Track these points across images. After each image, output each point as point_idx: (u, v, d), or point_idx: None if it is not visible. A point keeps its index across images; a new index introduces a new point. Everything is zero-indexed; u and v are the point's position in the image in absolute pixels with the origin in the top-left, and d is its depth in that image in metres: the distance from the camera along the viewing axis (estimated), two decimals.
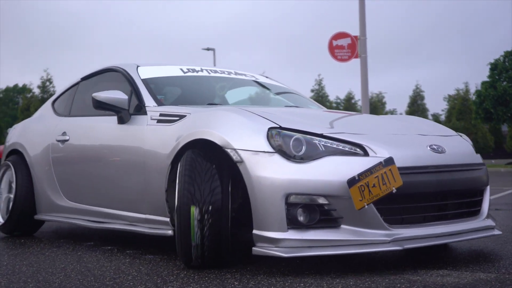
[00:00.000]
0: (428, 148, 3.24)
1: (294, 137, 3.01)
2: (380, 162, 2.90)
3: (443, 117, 48.35)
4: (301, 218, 2.90)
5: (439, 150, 3.26)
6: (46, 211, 4.81)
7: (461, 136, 3.79)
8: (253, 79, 5.07)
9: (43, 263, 3.54)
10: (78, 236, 4.89)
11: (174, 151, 3.37)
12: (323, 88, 42.69)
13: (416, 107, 45.77)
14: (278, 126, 3.07)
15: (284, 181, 2.90)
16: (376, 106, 47.63)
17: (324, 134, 3.08)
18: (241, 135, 3.09)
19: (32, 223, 4.98)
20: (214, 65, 27.91)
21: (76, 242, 4.45)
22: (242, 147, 3.04)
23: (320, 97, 41.72)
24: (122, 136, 3.96)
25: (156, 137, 3.62)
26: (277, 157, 2.96)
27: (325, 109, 4.80)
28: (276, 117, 3.21)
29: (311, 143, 3.00)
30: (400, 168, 2.93)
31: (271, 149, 2.98)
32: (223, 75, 4.87)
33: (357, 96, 48.02)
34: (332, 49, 12.84)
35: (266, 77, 5.35)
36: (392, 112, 56.66)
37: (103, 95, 3.92)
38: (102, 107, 3.94)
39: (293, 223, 2.89)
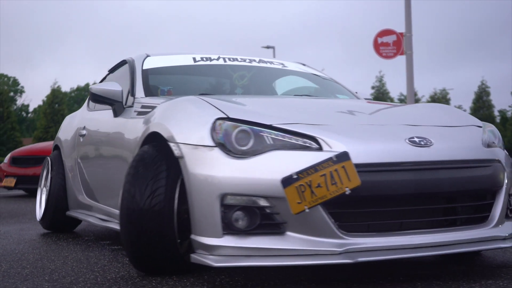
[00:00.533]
0: (407, 141, 2.73)
1: (238, 129, 2.63)
2: (330, 158, 2.46)
3: (510, 113, 46.89)
4: (238, 223, 2.54)
5: (422, 143, 2.74)
6: (73, 207, 4.75)
7: (479, 127, 3.19)
8: (280, 66, 4.66)
9: (51, 252, 3.82)
10: (101, 233, 5.08)
11: (138, 146, 3.17)
12: (384, 85, 42.14)
13: (482, 103, 44.53)
14: (226, 116, 2.71)
15: (220, 179, 2.56)
16: (440, 103, 46.60)
17: (273, 125, 2.68)
18: (186, 127, 2.80)
19: (67, 219, 4.87)
20: None
21: (96, 238, 4.58)
22: (184, 140, 2.74)
23: (381, 94, 41.19)
24: (112, 129, 3.88)
25: (131, 130, 3.46)
26: (216, 152, 2.61)
27: (360, 99, 4.34)
28: (230, 107, 2.86)
29: (258, 135, 2.62)
30: (360, 165, 2.52)
31: (211, 143, 2.64)
32: (242, 63, 4.49)
33: (420, 92, 47.23)
34: (377, 46, 12.78)
35: (303, 64, 4.97)
36: None
37: (98, 87, 3.81)
38: (97, 100, 3.85)
39: (229, 228, 2.53)
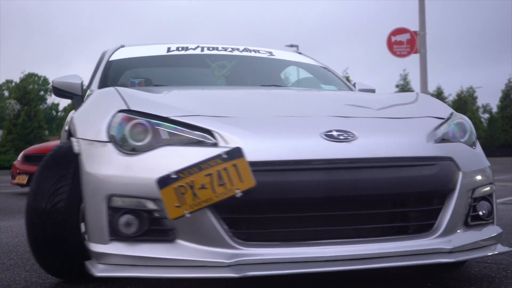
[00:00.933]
0: (322, 135, 2.35)
1: (133, 122, 2.36)
2: (219, 155, 2.16)
3: None
4: (125, 228, 2.27)
5: (341, 137, 2.35)
6: None
7: (440, 119, 2.72)
8: (266, 55, 4.25)
9: None
10: None
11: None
12: (408, 83, 41.99)
13: (509, 101, 44.03)
14: (127, 108, 2.45)
15: (107, 178, 2.30)
16: (467, 101, 46.20)
17: (170, 117, 2.39)
18: (88, 120, 2.55)
19: None
20: None
21: None
22: (83, 135, 2.48)
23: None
24: (67, 125, 3.70)
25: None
26: (109, 148, 2.35)
27: (347, 91, 3.93)
28: (138, 98, 2.60)
29: (155, 129, 2.35)
30: (259, 163, 2.21)
31: (106, 138, 2.37)
32: (222, 52, 4.12)
33: (446, 91, 46.82)
34: (391, 45, 12.84)
35: (299, 53, 4.60)
36: (485, 108, 54.70)
37: (58, 80, 3.61)
38: (58, 94, 3.65)
39: (116, 234, 2.27)
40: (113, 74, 3.74)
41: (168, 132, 2.35)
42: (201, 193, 2.13)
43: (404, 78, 41.73)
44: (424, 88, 12.78)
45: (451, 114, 2.82)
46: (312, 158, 2.27)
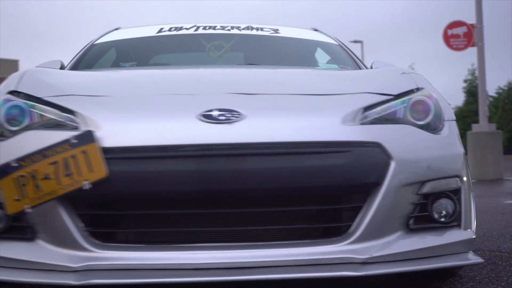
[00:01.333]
0: (200, 116, 2.01)
1: (9, 104, 2.12)
2: (67, 140, 1.90)
3: None
4: None
5: (221, 118, 1.99)
6: None
7: (384, 95, 2.21)
8: (269, 33, 3.67)
9: None
10: None
11: None
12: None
13: None
14: (14, 90, 2.21)
15: None
16: None
17: (43, 98, 2.15)
18: None
19: None
20: (363, 58, 27.45)
21: None
22: None
23: (474, 87, 40.06)
24: None
25: None
26: None
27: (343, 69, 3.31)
28: (36, 79, 2.33)
29: (29, 111, 2.11)
30: (116, 149, 1.92)
31: None
32: (220, 31, 3.63)
33: None
34: (447, 38, 12.80)
35: (315, 30, 4.05)
36: None
37: (40, 66, 3.31)
38: None
39: None
40: (91, 56, 3.43)
41: (40, 114, 2.10)
42: (44, 185, 1.87)
43: (472, 73, 40.66)
44: (482, 81, 12.70)
45: (416, 89, 2.27)
46: (180, 143, 1.94)
